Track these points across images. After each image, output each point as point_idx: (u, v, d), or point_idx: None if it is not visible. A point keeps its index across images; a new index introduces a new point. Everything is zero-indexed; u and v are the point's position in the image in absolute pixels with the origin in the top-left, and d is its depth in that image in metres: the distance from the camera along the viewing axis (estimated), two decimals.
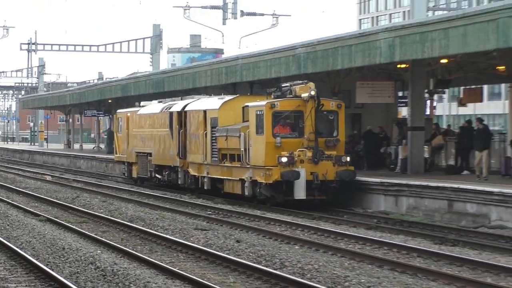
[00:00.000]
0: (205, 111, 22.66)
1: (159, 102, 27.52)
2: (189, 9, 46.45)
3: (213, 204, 21.66)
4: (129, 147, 28.35)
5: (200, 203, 21.84)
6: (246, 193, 20.07)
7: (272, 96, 20.36)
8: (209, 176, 22.42)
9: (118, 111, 30.89)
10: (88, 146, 59.33)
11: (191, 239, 14.32)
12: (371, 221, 17.72)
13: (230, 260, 11.58)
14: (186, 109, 24.21)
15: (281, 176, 18.34)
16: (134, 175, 28.29)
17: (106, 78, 72.30)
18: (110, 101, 45.18)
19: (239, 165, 20.65)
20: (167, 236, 14.62)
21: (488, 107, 65.17)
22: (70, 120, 59.99)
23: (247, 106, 20.61)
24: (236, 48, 49.29)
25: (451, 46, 17.65)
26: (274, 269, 10.81)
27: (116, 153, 30.43)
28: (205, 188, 22.82)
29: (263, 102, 19.64)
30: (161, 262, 11.40)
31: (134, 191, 26.34)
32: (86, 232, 15.32)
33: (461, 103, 33.52)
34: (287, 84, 20.27)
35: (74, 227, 16.31)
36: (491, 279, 10.50)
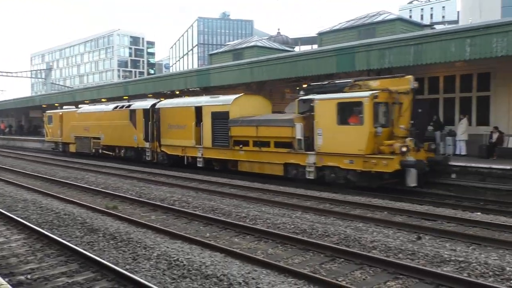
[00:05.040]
0: (200, 107, 25.52)
1: (93, 105, 38.43)
2: None
3: None
4: (63, 133, 40.25)
5: None
6: (312, 177, 19.82)
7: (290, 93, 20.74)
8: (203, 156, 25.38)
9: (47, 111, 43.84)
10: None
11: None
12: None
13: None
14: (157, 106, 28.98)
15: (402, 165, 17.35)
16: (73, 150, 38.96)
17: None
18: None
19: (285, 151, 20.83)
20: None
21: None
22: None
23: (313, 99, 19.74)
24: None
25: None
26: None
27: (47, 136, 43.73)
28: (200, 166, 25.61)
29: (365, 93, 18.23)
30: None
31: None
32: None
33: None
34: (348, 80, 19.90)
35: None
36: None
